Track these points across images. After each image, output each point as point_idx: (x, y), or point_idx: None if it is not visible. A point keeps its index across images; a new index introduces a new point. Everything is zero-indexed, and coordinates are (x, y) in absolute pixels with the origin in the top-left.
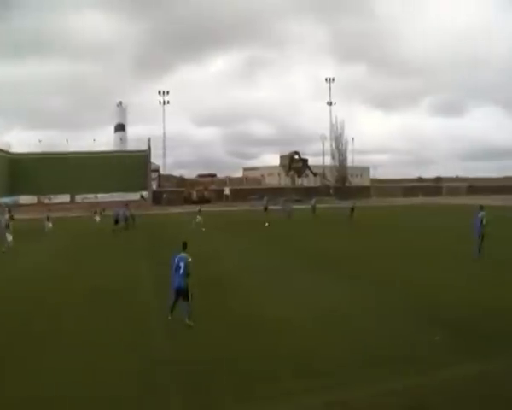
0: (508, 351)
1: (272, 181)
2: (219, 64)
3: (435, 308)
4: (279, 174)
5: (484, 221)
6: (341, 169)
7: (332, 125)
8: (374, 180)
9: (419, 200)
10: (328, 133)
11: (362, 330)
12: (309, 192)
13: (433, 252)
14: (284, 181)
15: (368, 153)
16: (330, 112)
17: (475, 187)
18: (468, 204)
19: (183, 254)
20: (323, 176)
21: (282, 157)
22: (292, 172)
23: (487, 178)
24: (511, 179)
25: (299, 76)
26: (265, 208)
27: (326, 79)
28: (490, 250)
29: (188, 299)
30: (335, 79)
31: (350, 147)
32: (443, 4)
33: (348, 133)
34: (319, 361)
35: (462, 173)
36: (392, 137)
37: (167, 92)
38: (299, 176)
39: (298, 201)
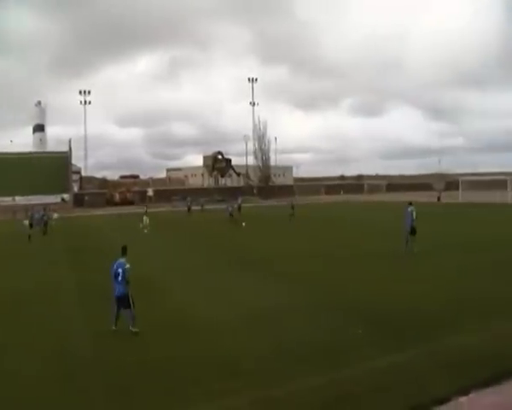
0: (417, 342)
1: (196, 182)
2: (142, 64)
3: (356, 303)
4: (203, 175)
5: (414, 216)
6: (264, 169)
7: (255, 126)
8: (297, 179)
9: (341, 197)
10: (251, 133)
11: (287, 327)
12: (232, 192)
13: (359, 248)
14: (208, 181)
15: (291, 152)
16: (253, 112)
17: (394, 185)
18: (387, 201)
19: (121, 260)
20: (247, 176)
21: (205, 157)
22: (215, 173)
23: (405, 176)
24: (426, 177)
25: (222, 77)
26: (189, 209)
27: (249, 80)
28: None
29: (129, 306)
30: (258, 80)
31: (273, 147)
32: (362, 8)
33: (271, 133)
34: (244, 361)
35: (381, 171)
36: (314, 137)
37: (89, 92)
38: (223, 176)
39: (220, 201)
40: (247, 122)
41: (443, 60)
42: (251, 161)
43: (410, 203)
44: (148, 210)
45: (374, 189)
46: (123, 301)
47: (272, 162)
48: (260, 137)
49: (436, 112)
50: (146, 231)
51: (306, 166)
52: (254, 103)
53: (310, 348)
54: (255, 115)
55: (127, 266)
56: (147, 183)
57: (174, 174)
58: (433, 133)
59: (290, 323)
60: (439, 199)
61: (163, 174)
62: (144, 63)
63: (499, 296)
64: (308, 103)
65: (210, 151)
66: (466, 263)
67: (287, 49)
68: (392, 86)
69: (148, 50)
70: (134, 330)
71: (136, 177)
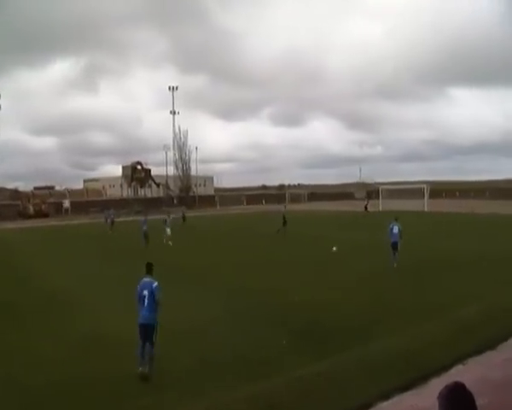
0: (339, 348)
1: (115, 192)
2: (57, 70)
3: (282, 312)
4: (121, 185)
5: (398, 231)
6: (185, 179)
7: (175, 135)
8: (218, 189)
9: (263, 207)
10: (171, 143)
11: (210, 339)
12: (152, 203)
13: (281, 256)
14: (127, 192)
15: (212, 162)
16: (174, 121)
17: (316, 194)
18: (309, 210)
19: (146, 279)
20: (167, 186)
21: (124, 168)
22: (134, 183)
23: (326, 185)
24: (348, 186)
25: (141, 85)
26: (112, 222)
27: (169, 88)
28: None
29: (152, 340)
30: (179, 89)
31: (194, 156)
32: (282, 18)
33: (192, 143)
34: (165, 375)
35: (303, 181)
36: (235, 147)
37: None
38: (142, 186)
39: (139, 212)
40: (167, 131)
41: (361, 71)
42: (171, 171)
43: (396, 219)
44: (66, 222)
45: (296, 198)
46: (147, 332)
47: (193, 172)
48: (181, 147)
49: (355, 122)
50: (171, 243)
51: (228, 175)
52: (175, 112)
53: (239, 358)
54: (176, 124)
55: (155, 284)
56: (63, 194)
57: (92, 185)
58: (353, 143)
59: (214, 332)
60: (366, 208)
61: (80, 185)
62: (59, 69)
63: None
64: (229, 113)
65: (129, 161)
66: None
67: (206, 58)
68: (312, 96)
69: (64, 56)
70: (143, 371)
71: (51, 188)
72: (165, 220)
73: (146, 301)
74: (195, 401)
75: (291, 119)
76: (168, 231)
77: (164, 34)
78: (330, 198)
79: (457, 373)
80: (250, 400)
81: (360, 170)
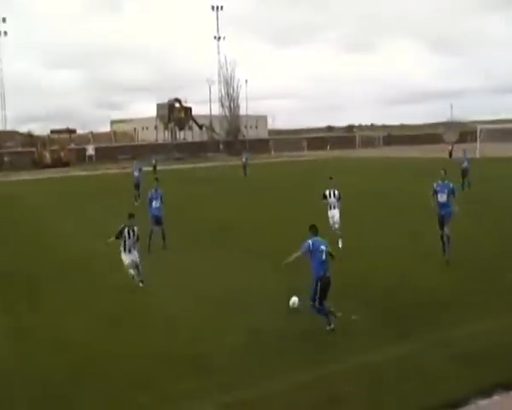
0: (423, 330)
1: (148, 136)
2: None
3: (348, 282)
4: (156, 127)
5: (450, 195)
6: (233, 119)
7: (221, 66)
8: (272, 132)
9: (327, 153)
10: (215, 76)
11: (262, 314)
12: (193, 148)
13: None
14: (163, 136)
15: (265, 98)
16: (218, 49)
17: (393, 137)
18: (383, 156)
19: (316, 239)
20: (211, 128)
21: (159, 106)
22: (172, 125)
23: (407, 126)
24: (435, 126)
25: (178, 4)
26: (154, 168)
27: (212, 8)
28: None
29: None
30: (224, 8)
31: (243, 92)
32: None
33: (241, 75)
34: (213, 357)
35: (378, 121)
36: (294, 79)
37: (3, 20)
38: (181, 129)
39: (180, 159)
40: (210, 62)
41: None
42: (216, 109)
43: (445, 171)
44: (90, 173)
45: (368, 142)
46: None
47: (242, 111)
48: (227, 80)
49: (446, 45)
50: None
51: (284, 115)
52: (220, 38)
53: (293, 340)
54: (221, 53)
55: (325, 244)
56: (86, 138)
57: (120, 127)
58: (441, 72)
59: (265, 307)
60: (450, 155)
61: (106, 128)
62: None
63: None
64: (285, 38)
65: (165, 98)
66: None
67: None
68: (389, 14)
69: None
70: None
71: (72, 131)
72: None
73: (324, 256)
74: (245, 388)
75: (362, 43)
76: None
77: None
78: (411, 142)
79: None
80: (309, 388)
81: (451, 106)
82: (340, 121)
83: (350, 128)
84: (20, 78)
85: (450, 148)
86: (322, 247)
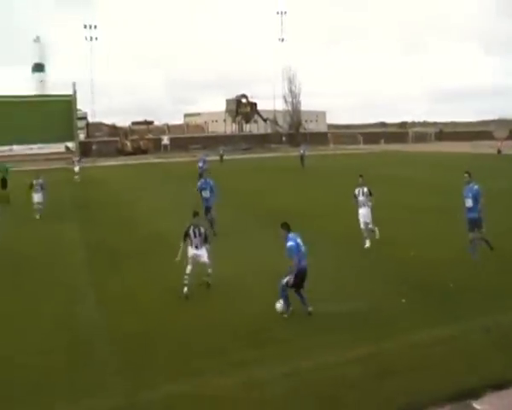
0: (467, 315)
1: (217, 128)
2: None
3: (399, 268)
4: (225, 120)
5: (476, 198)
6: (295, 114)
7: (284, 65)
8: (331, 126)
9: (381, 147)
10: (279, 74)
11: (319, 292)
12: (258, 140)
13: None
14: (231, 128)
15: (321, 95)
16: (282, 50)
17: (445, 133)
18: (434, 151)
19: None
20: (275, 121)
21: (228, 101)
22: (239, 118)
23: (459, 123)
24: (486, 123)
25: (245, 10)
26: (221, 158)
27: (277, 12)
28: None
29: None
30: (287, 13)
31: (304, 89)
32: None
33: (302, 73)
34: (274, 328)
35: (430, 118)
36: (348, 77)
37: (95, 27)
38: (248, 122)
39: (246, 149)
40: (273, 61)
41: None
42: (279, 105)
43: (469, 174)
44: (165, 160)
45: (421, 138)
46: (305, 277)
47: (303, 107)
48: (290, 78)
49: (499, 44)
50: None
51: (340, 111)
52: (283, 39)
53: (348, 316)
54: (284, 53)
55: None
56: (162, 130)
57: (193, 120)
58: (495, 70)
59: (323, 287)
60: (499, 151)
61: (180, 120)
62: None
63: None
64: (340, 39)
65: (233, 94)
66: None
67: None
68: (440, 15)
69: None
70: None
71: (150, 123)
72: None
73: (303, 249)
74: (301, 359)
75: (415, 43)
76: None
77: None
78: (462, 138)
79: None
80: (363, 362)
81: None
82: (393, 117)
83: (403, 124)
84: (105, 75)
85: (499, 144)
86: (298, 240)
